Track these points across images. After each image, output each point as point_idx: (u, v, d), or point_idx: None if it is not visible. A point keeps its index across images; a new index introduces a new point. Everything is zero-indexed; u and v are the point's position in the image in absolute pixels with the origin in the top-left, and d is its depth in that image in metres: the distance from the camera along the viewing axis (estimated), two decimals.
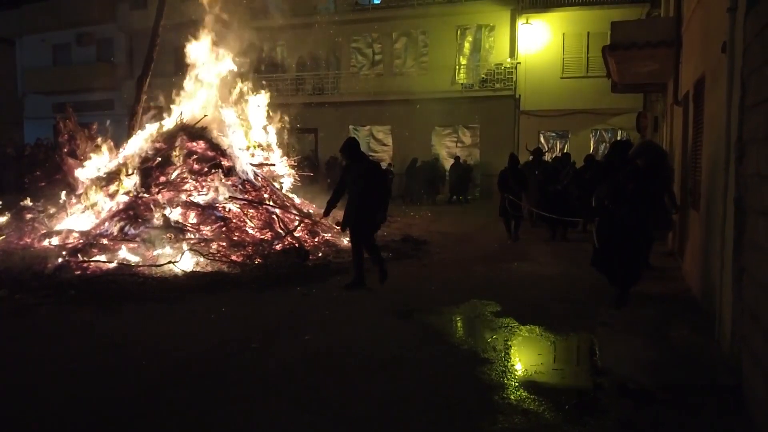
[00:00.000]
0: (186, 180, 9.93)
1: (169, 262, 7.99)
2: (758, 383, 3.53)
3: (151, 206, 9.20)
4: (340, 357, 4.98)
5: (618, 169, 6.16)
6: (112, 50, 29.06)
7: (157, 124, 11.61)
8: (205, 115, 11.21)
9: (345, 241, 9.57)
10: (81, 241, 8.71)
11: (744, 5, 4.30)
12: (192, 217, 9.32)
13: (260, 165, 11.60)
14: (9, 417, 3.86)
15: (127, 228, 8.88)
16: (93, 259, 8.14)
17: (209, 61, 11.63)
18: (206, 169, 10.14)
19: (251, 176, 10.87)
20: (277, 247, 9.02)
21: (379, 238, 10.60)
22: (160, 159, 10.27)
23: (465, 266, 9.08)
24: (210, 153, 10.55)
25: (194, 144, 10.63)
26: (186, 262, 8.10)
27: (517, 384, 4.34)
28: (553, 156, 17.29)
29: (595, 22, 19.78)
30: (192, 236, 8.80)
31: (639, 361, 4.82)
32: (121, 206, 9.45)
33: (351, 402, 4.04)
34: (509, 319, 6.02)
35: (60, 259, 8.03)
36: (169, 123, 11.52)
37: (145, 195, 9.52)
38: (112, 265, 8.01)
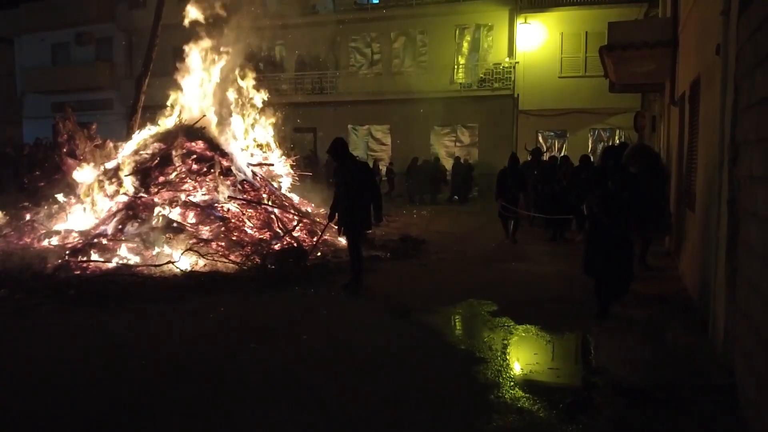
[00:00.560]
0: (185, 180, 9.97)
1: (169, 262, 8.02)
2: (750, 383, 3.57)
3: (151, 206, 9.24)
4: (338, 356, 5.03)
5: (611, 175, 5.99)
6: (111, 50, 29.06)
7: (156, 124, 11.64)
8: (204, 115, 11.23)
9: (343, 241, 9.61)
10: (80, 241, 8.75)
11: (737, 8, 4.35)
12: (191, 217, 9.36)
13: (259, 164, 11.64)
14: (9, 417, 3.90)
15: (126, 228, 8.91)
16: (93, 259, 8.17)
17: (208, 61, 11.65)
18: (205, 169, 10.17)
19: (250, 176, 10.91)
20: (276, 246, 9.05)
21: (378, 237, 10.70)
22: (159, 159, 10.30)
23: (463, 266, 9.13)
24: (209, 153, 10.59)
25: (193, 144, 10.66)
26: (185, 262, 8.14)
27: (512, 383, 4.38)
28: (550, 155, 17.31)
29: (594, 21, 19.81)
30: (191, 236, 8.83)
31: (633, 360, 4.87)
32: (120, 206, 9.48)
33: (348, 401, 4.09)
34: (506, 319, 6.07)
35: (60, 260, 8.06)
36: (168, 123, 11.55)
37: (145, 195, 9.55)
38: (111, 265, 8.05)
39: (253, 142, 11.96)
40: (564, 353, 5.41)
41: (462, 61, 23.10)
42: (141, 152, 10.62)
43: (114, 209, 9.49)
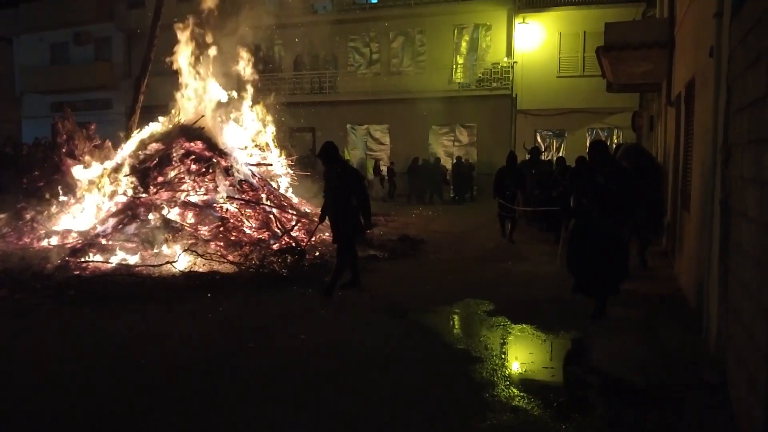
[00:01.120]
0: (184, 180, 10.01)
1: (168, 262, 8.06)
2: (741, 381, 3.62)
3: (150, 206, 9.27)
4: (336, 356, 5.07)
5: (599, 169, 5.98)
6: (110, 49, 29.06)
7: (155, 124, 11.67)
8: (203, 115, 11.26)
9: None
10: (80, 241, 8.79)
11: (729, 11, 4.39)
12: (190, 217, 9.39)
13: (258, 164, 11.67)
14: (9, 417, 3.94)
15: (125, 228, 8.95)
16: (92, 259, 8.21)
17: (207, 61, 11.67)
18: (204, 169, 10.21)
19: (249, 176, 10.94)
20: (274, 246, 9.09)
21: (376, 237, 10.74)
22: (158, 159, 10.33)
23: (460, 266, 9.18)
24: (208, 153, 10.62)
25: (192, 144, 10.69)
26: (184, 262, 8.18)
27: (507, 382, 4.43)
28: (546, 160, 17.30)
29: (592, 21, 19.83)
30: (190, 236, 8.87)
31: (628, 359, 4.92)
32: (119, 206, 9.52)
33: (346, 400, 4.13)
34: (502, 318, 6.12)
35: (59, 260, 8.10)
36: (167, 123, 11.58)
37: (144, 195, 9.59)
38: (111, 265, 8.09)
39: (252, 142, 11.98)
40: (559, 352, 5.44)
41: (460, 60, 23.13)
42: (140, 152, 10.65)
43: (113, 209, 9.52)
